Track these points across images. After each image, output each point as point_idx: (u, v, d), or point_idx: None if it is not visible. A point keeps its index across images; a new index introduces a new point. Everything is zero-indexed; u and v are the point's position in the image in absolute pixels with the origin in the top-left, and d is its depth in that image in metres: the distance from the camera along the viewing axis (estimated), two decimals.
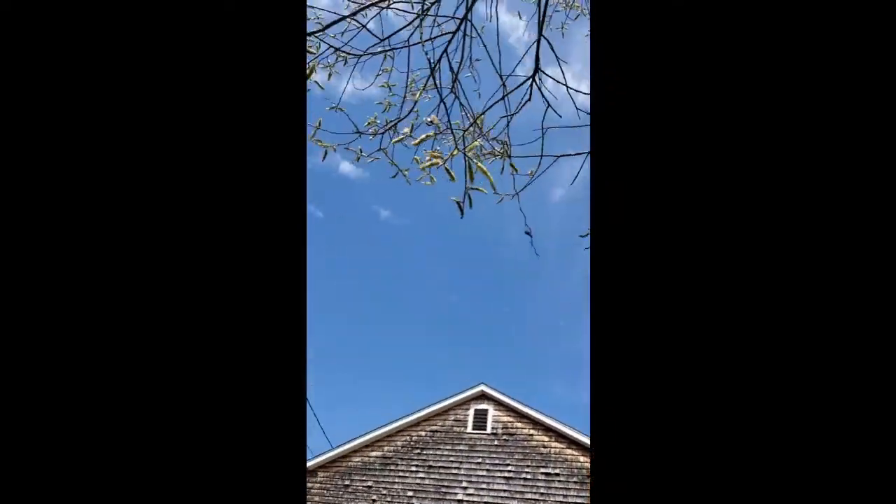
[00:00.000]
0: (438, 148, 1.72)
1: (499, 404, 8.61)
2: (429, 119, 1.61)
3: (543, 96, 2.04)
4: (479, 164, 1.48)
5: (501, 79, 2.60)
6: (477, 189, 2.24)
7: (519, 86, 2.32)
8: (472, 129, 2.23)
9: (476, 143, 1.67)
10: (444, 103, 2.35)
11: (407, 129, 1.97)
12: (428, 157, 1.68)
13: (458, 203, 2.35)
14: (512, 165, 1.77)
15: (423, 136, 1.71)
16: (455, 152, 1.63)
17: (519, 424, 8.32)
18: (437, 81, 2.41)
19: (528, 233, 2.74)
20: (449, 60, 2.80)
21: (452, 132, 1.72)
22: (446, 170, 1.66)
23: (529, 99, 1.90)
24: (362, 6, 2.09)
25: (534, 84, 2.20)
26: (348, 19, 2.69)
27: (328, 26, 2.01)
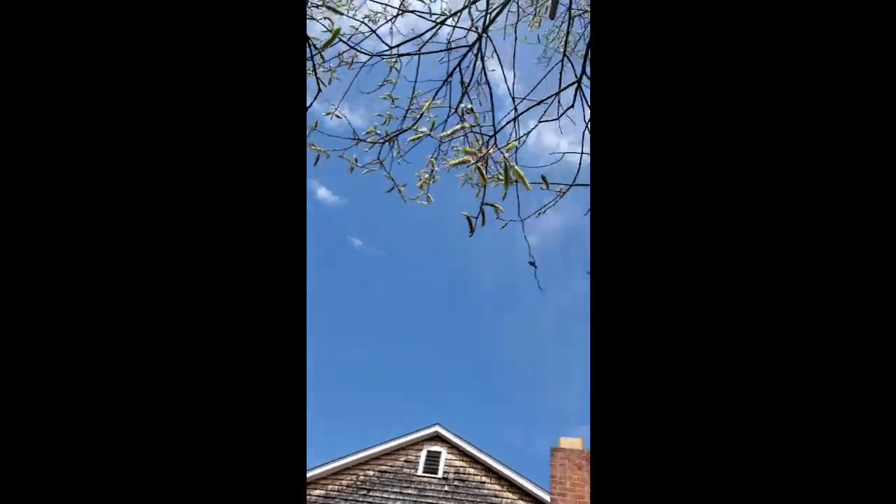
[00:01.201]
0: (465, 145, 1.54)
1: (452, 447, 8.23)
2: (470, 106, 1.44)
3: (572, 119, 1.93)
4: (516, 168, 1.31)
5: (514, 101, 2.50)
6: (492, 205, 2.06)
7: (551, 97, 2.21)
8: (491, 141, 2.08)
9: (514, 143, 1.51)
10: (459, 112, 2.21)
11: (424, 129, 1.80)
12: (456, 155, 1.51)
13: (468, 218, 2.16)
14: (543, 178, 1.61)
15: (457, 126, 1.54)
16: (491, 150, 1.46)
17: (472, 470, 7.94)
18: (455, 94, 2.27)
19: (532, 263, 2.59)
20: (461, 74, 2.69)
21: (492, 132, 1.55)
22: (478, 169, 1.49)
23: (572, 106, 1.78)
24: (393, 15, 1.95)
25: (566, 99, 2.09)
26: (359, 23, 2.55)
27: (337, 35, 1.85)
